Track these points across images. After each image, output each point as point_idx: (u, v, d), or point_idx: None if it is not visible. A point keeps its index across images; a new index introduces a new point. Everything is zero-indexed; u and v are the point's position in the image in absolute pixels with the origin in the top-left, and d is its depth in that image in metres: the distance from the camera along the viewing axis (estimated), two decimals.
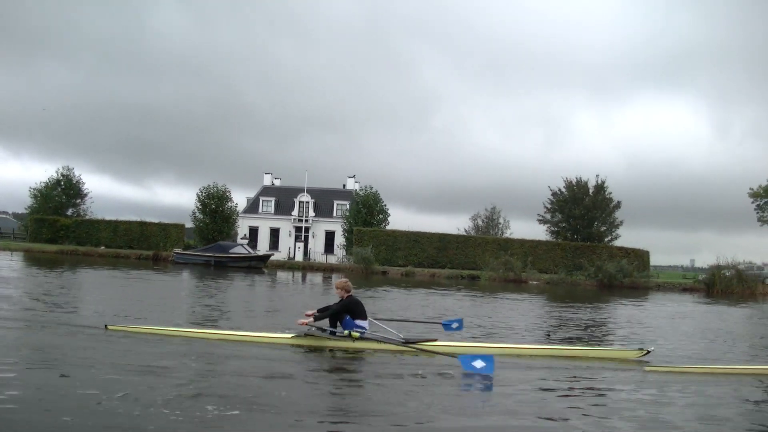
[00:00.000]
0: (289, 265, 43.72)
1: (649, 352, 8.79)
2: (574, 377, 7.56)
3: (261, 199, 58.58)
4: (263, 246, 56.77)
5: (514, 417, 5.58)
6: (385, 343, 8.32)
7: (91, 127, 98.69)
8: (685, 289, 39.82)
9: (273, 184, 61.06)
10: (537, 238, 47.64)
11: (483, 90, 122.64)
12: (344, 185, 60.00)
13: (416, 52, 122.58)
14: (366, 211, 51.19)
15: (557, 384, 7.12)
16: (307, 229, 57.22)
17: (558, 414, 5.80)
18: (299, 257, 51.17)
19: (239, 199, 66.08)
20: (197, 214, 52.54)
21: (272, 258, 42.49)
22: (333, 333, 8.44)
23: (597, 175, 49.98)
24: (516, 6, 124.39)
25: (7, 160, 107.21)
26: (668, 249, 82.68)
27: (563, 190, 49.17)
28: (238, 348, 8.16)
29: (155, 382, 5.98)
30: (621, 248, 46.83)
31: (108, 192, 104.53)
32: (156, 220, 51.21)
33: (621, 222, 49.42)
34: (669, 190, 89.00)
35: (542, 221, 50.10)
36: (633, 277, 39.06)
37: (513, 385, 6.90)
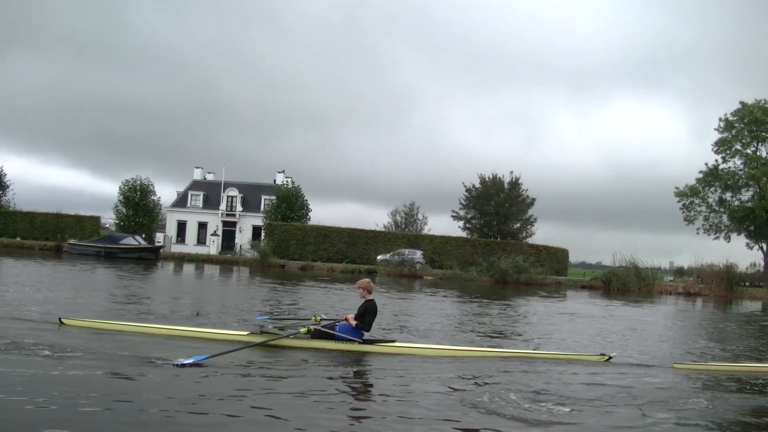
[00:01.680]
0: (189, 258, 43.40)
1: (611, 357, 8.80)
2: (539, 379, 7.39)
3: (190, 193, 58.29)
4: (191, 240, 56.59)
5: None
6: (342, 341, 8.23)
7: (68, 121, 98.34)
8: (583, 287, 39.47)
9: (205, 179, 60.77)
10: (451, 234, 47.31)
11: (462, 88, 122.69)
12: (274, 180, 59.63)
13: (393, 49, 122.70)
14: (286, 206, 50.94)
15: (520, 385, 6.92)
16: (234, 224, 56.96)
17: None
18: (213, 251, 50.77)
19: (170, 193, 66.06)
20: (119, 206, 52.40)
21: (191, 252, 42.31)
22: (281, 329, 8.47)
23: (511, 172, 49.75)
24: (494, 5, 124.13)
25: None
26: (650, 251, 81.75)
27: (476, 186, 48.75)
28: (190, 344, 7.95)
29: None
30: (533, 245, 46.45)
31: (85, 187, 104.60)
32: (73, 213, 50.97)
33: (535, 218, 49.02)
34: (648, 192, 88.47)
35: (456, 217, 49.70)
36: (529, 273, 38.63)
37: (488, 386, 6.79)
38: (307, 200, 52.30)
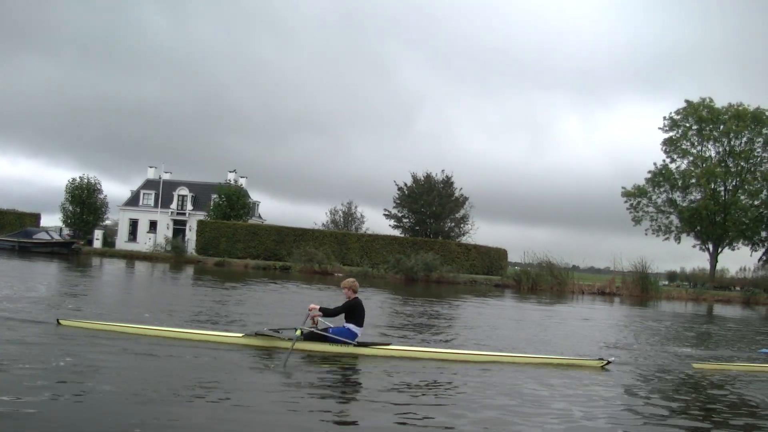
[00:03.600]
0: (110, 253, 44.03)
1: (609, 362, 8.71)
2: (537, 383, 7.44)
3: (142, 192, 59.09)
4: (142, 238, 57.30)
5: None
6: (337, 344, 8.15)
7: (75, 123, 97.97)
8: (497, 285, 38.96)
9: (160, 178, 61.52)
10: (382, 233, 47.23)
11: (467, 93, 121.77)
12: (226, 179, 60.03)
13: (396, 53, 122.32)
14: (227, 204, 51.37)
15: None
16: (184, 222, 57.58)
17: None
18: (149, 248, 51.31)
19: (123, 192, 67.18)
20: (66, 204, 53.42)
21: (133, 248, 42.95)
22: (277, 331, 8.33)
23: (443, 170, 49.41)
24: (497, 9, 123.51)
25: None
26: (657, 256, 79.83)
27: (408, 184, 48.55)
28: (184, 347, 7.89)
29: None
30: (462, 244, 46.08)
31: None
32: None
33: (467, 217, 48.60)
34: None
35: (388, 216, 49.55)
36: (439, 271, 38.34)
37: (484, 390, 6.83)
38: (250, 200, 52.56)
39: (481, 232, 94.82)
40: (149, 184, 59.91)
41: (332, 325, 8.44)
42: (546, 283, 37.55)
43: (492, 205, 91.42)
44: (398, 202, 48.77)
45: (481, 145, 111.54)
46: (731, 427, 5.99)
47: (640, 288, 37.24)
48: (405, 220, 48.71)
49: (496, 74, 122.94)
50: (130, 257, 43.11)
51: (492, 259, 46.62)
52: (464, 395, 6.54)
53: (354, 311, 8.33)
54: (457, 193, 48.82)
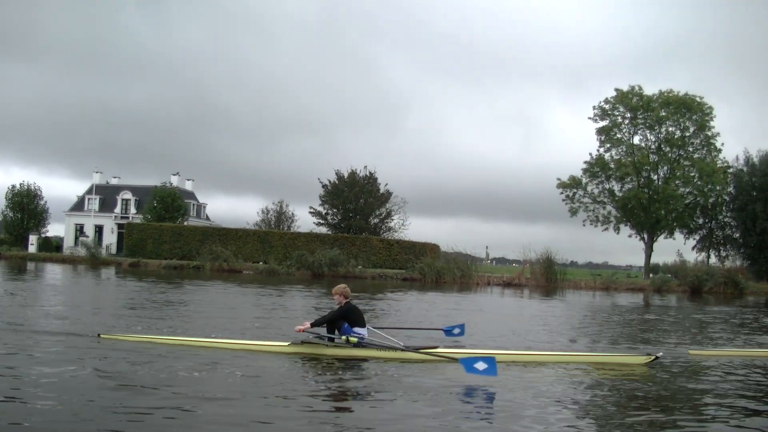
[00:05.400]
0: (30, 257, 44.53)
1: (657, 357, 8.42)
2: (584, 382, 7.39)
3: (87, 197, 59.69)
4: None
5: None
6: (385, 349, 8.05)
7: (65, 131, 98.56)
8: (405, 279, 38.83)
9: (108, 183, 62.16)
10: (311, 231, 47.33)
11: (456, 90, 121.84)
12: (166, 182, 60.51)
13: (381, 52, 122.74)
14: (161, 206, 51.75)
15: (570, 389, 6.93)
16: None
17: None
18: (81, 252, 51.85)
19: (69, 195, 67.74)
20: (6, 211, 54.17)
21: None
22: (331, 339, 8.19)
23: (365, 166, 49.35)
24: (482, 4, 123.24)
25: None
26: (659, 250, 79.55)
27: (332, 181, 48.56)
28: (233, 357, 7.89)
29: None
30: (384, 240, 46.00)
31: None
32: None
33: (390, 212, 48.48)
34: None
35: (313, 213, 49.56)
36: (346, 267, 38.34)
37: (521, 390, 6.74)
38: (187, 201, 52.92)
39: (464, 229, 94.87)
40: (94, 189, 60.51)
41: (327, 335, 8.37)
42: (450, 275, 37.43)
43: (485, 201, 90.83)
44: (324, 199, 48.81)
45: (473, 142, 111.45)
46: None
47: (545, 278, 36.99)
48: (329, 218, 48.71)
49: (484, 70, 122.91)
50: (49, 260, 43.58)
51: (418, 253, 46.44)
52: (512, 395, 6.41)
53: (351, 315, 8.32)
54: (382, 189, 48.79)
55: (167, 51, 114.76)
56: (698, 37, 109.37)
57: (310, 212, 49.20)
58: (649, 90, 50.22)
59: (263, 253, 44.03)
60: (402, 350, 8.01)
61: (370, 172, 48.21)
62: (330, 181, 48.34)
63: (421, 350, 8.08)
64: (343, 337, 8.01)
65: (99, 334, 8.82)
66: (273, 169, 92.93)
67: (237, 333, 10.04)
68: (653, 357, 8.34)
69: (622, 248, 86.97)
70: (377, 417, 5.43)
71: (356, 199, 47.07)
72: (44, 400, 5.39)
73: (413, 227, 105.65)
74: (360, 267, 39.08)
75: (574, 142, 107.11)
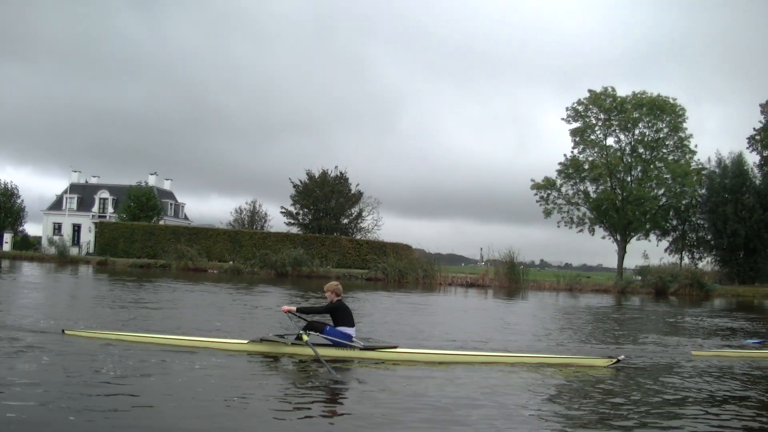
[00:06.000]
0: (2, 255, 44.66)
1: (619, 360, 8.58)
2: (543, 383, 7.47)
3: (65, 196, 59.81)
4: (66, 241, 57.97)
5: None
6: (344, 348, 8.13)
7: (61, 132, 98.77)
8: (369, 279, 38.82)
9: (87, 182, 62.28)
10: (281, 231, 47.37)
11: (449, 90, 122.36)
12: (140, 181, 60.60)
13: (373, 53, 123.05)
14: (135, 206, 51.85)
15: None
16: None
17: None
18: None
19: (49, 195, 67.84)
20: None
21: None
22: (299, 337, 8.11)
23: (336, 167, 49.42)
24: (475, 5, 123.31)
25: None
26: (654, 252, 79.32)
27: (303, 181, 48.61)
28: (189, 355, 7.91)
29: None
30: (353, 240, 46.00)
31: None
32: None
33: (361, 212, 48.55)
34: None
35: (284, 213, 49.62)
36: (310, 267, 38.37)
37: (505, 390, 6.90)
38: (162, 201, 53.07)
39: (459, 230, 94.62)
40: (73, 188, 60.64)
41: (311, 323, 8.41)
42: (413, 275, 37.43)
43: (479, 202, 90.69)
44: (295, 199, 48.87)
45: (467, 142, 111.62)
46: None
47: (508, 279, 36.95)
48: (300, 218, 48.78)
49: (478, 71, 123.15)
50: (18, 258, 43.71)
51: (387, 254, 46.44)
52: (471, 397, 6.47)
53: (339, 313, 8.34)
54: (354, 190, 48.86)
55: (161, 52, 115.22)
56: (693, 38, 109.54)
57: (282, 212, 49.36)
58: (623, 90, 50.31)
59: (233, 253, 44.06)
60: (360, 349, 8.08)
61: (340, 172, 48.39)
62: (301, 181, 48.41)
63: (380, 351, 8.21)
64: (304, 337, 7.94)
65: (64, 330, 8.93)
66: (267, 170, 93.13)
67: (196, 330, 10.13)
68: (615, 359, 8.52)
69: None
70: (329, 418, 5.58)
71: (327, 199, 47.11)
72: None
73: (406, 228, 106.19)
74: (326, 267, 39.05)
75: (568, 143, 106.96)
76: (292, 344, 8.06)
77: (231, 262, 40.04)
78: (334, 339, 8.14)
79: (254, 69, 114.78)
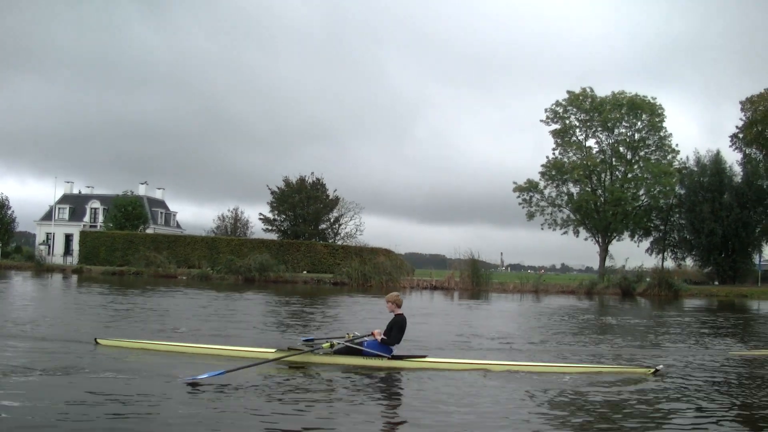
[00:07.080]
0: None
1: (657, 370, 8.47)
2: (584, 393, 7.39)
3: (57, 206, 61.03)
4: (58, 251, 59.18)
5: None
6: (372, 358, 8.20)
7: (82, 144, 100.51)
8: (335, 284, 38.98)
9: (80, 193, 63.54)
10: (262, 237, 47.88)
11: (465, 97, 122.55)
12: (131, 191, 61.60)
13: (386, 60, 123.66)
14: (121, 215, 52.76)
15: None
16: None
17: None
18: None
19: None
20: None
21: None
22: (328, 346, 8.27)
23: (312, 173, 49.82)
24: (492, 11, 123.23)
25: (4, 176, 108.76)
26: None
27: (280, 187, 49.02)
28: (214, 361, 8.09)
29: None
30: (329, 245, 46.23)
31: None
32: None
33: (338, 218, 48.83)
34: None
35: (263, 219, 50.05)
36: (276, 272, 38.73)
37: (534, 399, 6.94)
38: (151, 209, 53.97)
39: (478, 235, 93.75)
40: (65, 199, 61.90)
41: (368, 339, 8.40)
42: (377, 279, 37.51)
43: (499, 208, 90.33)
44: (273, 205, 49.31)
45: (484, 148, 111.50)
46: None
47: (471, 281, 36.83)
48: (278, 224, 49.21)
49: (494, 76, 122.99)
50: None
51: (365, 258, 46.58)
52: (504, 407, 6.51)
53: (394, 332, 8.30)
54: (332, 195, 49.22)
55: (175, 62, 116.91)
56: (708, 38, 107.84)
57: (260, 218, 49.83)
58: (646, 91, 49.82)
59: (210, 260, 44.57)
60: (388, 359, 8.15)
61: (317, 178, 48.78)
62: (278, 188, 48.86)
63: (408, 360, 8.31)
64: (325, 345, 8.10)
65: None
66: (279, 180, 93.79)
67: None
68: (654, 369, 8.48)
69: (628, 253, 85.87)
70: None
71: (305, 205, 47.51)
72: None
73: (425, 234, 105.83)
74: (293, 272, 39.35)
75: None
76: (315, 353, 8.16)
77: (200, 269, 40.49)
78: (369, 350, 8.18)
79: (269, 78, 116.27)
